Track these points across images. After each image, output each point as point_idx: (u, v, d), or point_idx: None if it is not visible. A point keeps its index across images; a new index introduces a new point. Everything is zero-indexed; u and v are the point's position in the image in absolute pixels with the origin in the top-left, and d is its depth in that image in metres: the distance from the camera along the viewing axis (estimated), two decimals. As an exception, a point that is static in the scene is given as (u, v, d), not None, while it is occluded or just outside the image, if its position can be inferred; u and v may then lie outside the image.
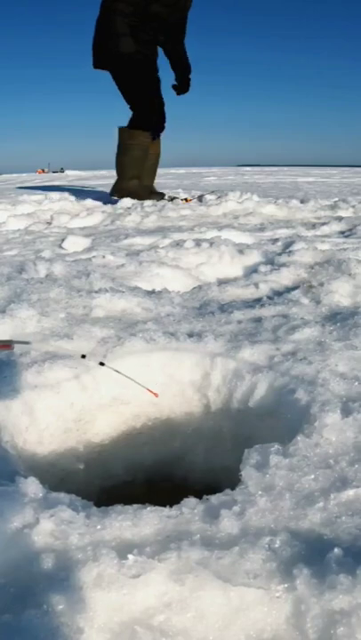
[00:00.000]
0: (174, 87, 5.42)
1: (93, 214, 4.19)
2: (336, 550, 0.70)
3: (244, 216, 4.06)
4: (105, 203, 5.23)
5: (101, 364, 1.20)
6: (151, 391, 1.23)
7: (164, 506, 0.82)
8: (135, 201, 4.96)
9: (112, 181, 5.53)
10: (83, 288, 1.88)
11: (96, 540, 0.74)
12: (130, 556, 0.69)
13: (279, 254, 2.58)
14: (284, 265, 2.29)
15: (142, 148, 5.12)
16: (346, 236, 3.19)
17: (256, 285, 2.04)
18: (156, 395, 1.24)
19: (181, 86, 5.42)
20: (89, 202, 5.31)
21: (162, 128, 5.37)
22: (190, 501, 0.83)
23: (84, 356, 1.21)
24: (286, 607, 0.66)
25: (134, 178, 5.21)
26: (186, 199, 5.18)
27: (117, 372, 1.20)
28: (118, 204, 4.93)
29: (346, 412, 1.04)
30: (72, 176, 14.76)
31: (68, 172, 18.54)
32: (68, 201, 5.32)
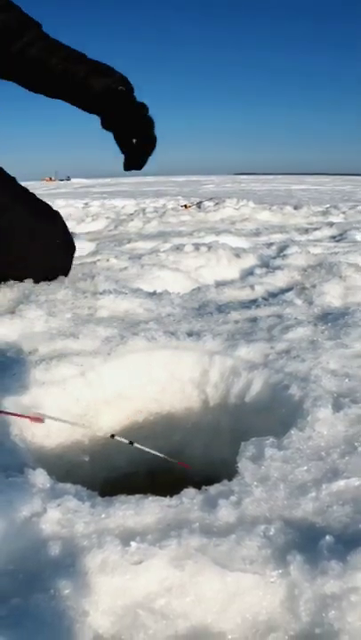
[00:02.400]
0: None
1: (98, 220, 4.19)
2: (328, 538, 0.70)
3: (241, 222, 4.06)
4: (108, 209, 5.23)
5: (131, 443, 1.09)
6: (181, 463, 1.12)
7: (165, 496, 0.82)
8: (138, 207, 4.96)
9: (116, 189, 5.53)
10: (88, 290, 1.88)
11: (100, 528, 0.74)
12: (132, 544, 0.69)
13: (274, 258, 2.58)
14: (278, 268, 2.29)
15: None
16: (337, 241, 3.19)
17: (252, 287, 2.04)
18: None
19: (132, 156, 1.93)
20: (94, 208, 5.31)
21: None
22: (190, 492, 0.83)
23: (112, 436, 1.11)
24: (281, 591, 0.66)
25: None
26: (186, 206, 5.18)
27: (149, 450, 1.10)
28: (121, 210, 4.94)
29: (337, 406, 1.04)
30: (77, 184, 14.74)
31: (73, 180, 18.52)
32: (73, 207, 5.32)
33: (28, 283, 1.97)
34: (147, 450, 1.10)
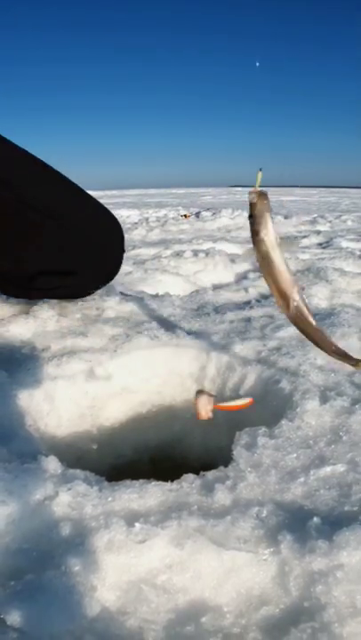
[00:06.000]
0: None
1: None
2: (315, 519, 0.70)
3: (236, 230, 4.06)
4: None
5: None
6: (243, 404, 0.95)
7: (167, 481, 0.82)
8: (142, 217, 4.96)
9: (121, 200, 5.52)
10: (96, 292, 1.88)
11: (107, 510, 0.74)
12: (136, 524, 0.69)
13: (266, 263, 2.57)
14: (270, 272, 2.29)
15: None
16: (323, 248, 3.19)
17: (246, 290, 2.04)
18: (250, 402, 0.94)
19: None
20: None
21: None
22: (189, 477, 0.83)
23: None
24: (272, 568, 0.66)
25: None
26: (185, 215, 5.17)
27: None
28: (126, 219, 4.93)
29: (324, 399, 1.04)
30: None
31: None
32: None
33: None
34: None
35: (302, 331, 0.90)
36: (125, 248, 1.59)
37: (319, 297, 1.82)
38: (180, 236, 3.81)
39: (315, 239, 3.51)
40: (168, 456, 1.36)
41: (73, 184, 1.51)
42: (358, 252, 2.83)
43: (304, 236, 3.60)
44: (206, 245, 3.16)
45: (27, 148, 1.41)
